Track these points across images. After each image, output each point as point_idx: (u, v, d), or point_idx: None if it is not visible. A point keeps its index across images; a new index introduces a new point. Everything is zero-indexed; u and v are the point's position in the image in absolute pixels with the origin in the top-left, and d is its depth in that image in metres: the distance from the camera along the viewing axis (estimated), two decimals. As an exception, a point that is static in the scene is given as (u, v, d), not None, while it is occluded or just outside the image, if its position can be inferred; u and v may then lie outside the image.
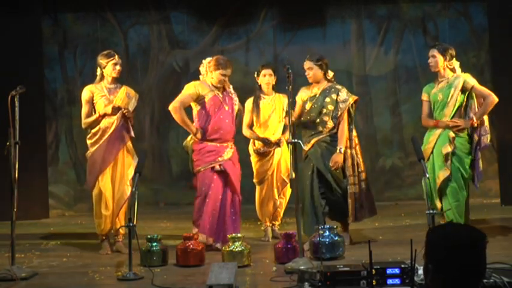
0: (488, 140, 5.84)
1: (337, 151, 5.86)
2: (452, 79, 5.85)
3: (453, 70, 5.89)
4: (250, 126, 6.56)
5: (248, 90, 9.02)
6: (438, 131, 5.82)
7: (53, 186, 9.27)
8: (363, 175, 6.02)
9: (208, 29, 9.61)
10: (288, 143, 5.32)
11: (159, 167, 9.59)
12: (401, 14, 9.58)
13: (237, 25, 9.59)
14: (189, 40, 9.68)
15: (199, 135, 6.05)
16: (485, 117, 5.85)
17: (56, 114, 9.48)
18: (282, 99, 6.53)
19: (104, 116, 5.95)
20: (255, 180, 6.62)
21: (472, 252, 2.28)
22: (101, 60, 6.02)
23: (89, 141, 6.05)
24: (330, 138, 5.98)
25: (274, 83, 6.58)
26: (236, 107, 6.27)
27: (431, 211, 4.47)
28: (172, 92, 9.61)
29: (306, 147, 5.95)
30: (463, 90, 5.81)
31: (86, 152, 6.14)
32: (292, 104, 5.35)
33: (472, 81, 5.84)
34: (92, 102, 6.01)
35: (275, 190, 6.53)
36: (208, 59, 6.22)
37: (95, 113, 6.00)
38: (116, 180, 5.98)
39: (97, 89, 6.02)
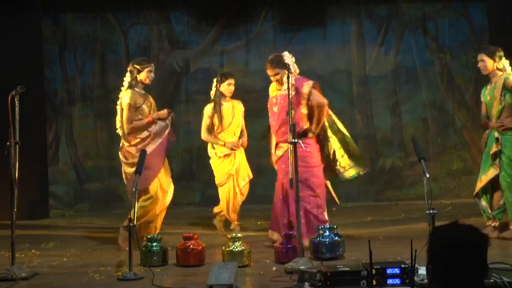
0: None
1: None
2: (498, 80, 5.92)
3: (502, 70, 5.97)
4: (210, 130, 6.91)
5: (248, 90, 9.06)
6: (488, 131, 6.02)
7: (53, 186, 9.26)
8: None
9: (208, 29, 9.60)
10: (288, 143, 5.31)
11: (159, 167, 9.56)
12: (401, 14, 9.57)
13: (237, 25, 9.58)
14: (189, 40, 9.66)
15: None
16: None
17: (56, 114, 9.46)
18: (238, 106, 7.00)
19: (156, 121, 6.07)
20: (217, 183, 6.96)
21: (474, 253, 2.28)
22: (136, 66, 6.11)
23: (133, 148, 6.00)
24: None
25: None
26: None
27: (431, 211, 4.48)
28: (172, 92, 9.63)
29: None
30: (508, 89, 5.86)
31: (120, 155, 6.14)
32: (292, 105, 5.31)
33: None
34: (135, 107, 6.05)
35: (237, 190, 6.88)
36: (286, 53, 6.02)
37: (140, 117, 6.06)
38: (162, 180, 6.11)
39: (138, 94, 6.11)
